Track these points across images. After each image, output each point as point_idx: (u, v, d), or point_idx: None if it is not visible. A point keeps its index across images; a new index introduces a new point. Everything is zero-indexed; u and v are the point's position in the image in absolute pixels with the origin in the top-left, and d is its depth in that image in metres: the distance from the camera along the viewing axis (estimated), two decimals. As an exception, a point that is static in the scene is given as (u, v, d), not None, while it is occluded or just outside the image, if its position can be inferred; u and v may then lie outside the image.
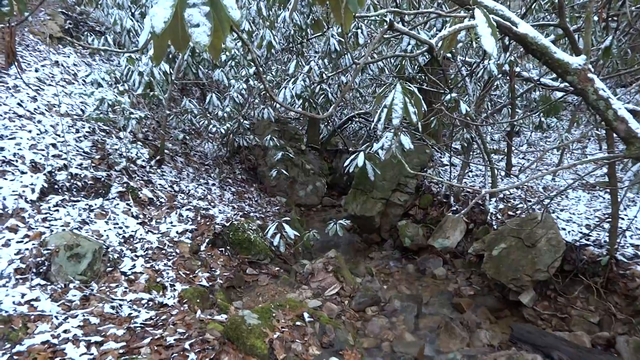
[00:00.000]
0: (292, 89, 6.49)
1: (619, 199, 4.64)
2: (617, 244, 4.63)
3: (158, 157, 6.56)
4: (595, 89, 2.26)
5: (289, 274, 5.50)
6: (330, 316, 4.31)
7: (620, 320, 4.33)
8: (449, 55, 6.53)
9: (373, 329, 4.63)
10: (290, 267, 5.76)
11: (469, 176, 7.52)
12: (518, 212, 5.90)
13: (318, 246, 6.80)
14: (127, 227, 4.85)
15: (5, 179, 4.34)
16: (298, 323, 3.68)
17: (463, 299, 5.23)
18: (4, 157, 4.53)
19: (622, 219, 4.96)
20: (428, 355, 4.23)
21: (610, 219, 4.69)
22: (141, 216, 5.18)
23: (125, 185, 5.41)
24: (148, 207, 5.46)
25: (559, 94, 7.27)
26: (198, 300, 4.11)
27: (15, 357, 2.90)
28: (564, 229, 5.26)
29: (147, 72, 6.06)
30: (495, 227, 5.84)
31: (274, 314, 3.67)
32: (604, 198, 6.12)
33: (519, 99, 8.56)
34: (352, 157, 4.99)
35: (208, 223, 5.69)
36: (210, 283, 4.64)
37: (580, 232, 5.18)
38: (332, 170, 10.59)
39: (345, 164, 5.07)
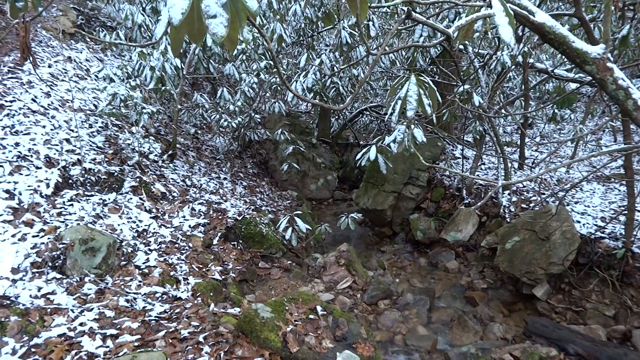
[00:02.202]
0: (304, 82, 6.47)
1: (636, 191, 4.57)
2: (633, 236, 4.56)
3: (170, 152, 6.59)
4: (615, 78, 2.21)
5: (301, 268, 5.51)
6: (343, 309, 4.31)
7: (637, 313, 4.27)
8: (461, 47, 6.47)
9: (386, 322, 4.63)
10: (302, 261, 5.76)
11: (481, 169, 7.46)
12: (532, 205, 5.85)
13: (330, 240, 6.80)
14: (140, 221, 4.88)
15: (21, 174, 4.39)
16: (311, 316, 3.68)
17: (476, 292, 5.20)
18: (19, 152, 4.58)
19: (639, 211, 4.88)
20: (441, 349, 4.22)
21: (626, 212, 4.62)
22: (154, 210, 5.21)
23: (138, 179, 5.44)
24: (161, 202, 5.50)
25: (573, 85, 7.18)
26: (211, 294, 4.13)
27: (32, 349, 2.94)
28: (579, 222, 5.20)
29: (159, 67, 6.08)
30: (508, 220, 5.79)
31: (287, 307, 3.68)
32: (619, 190, 6.03)
33: (532, 90, 8.45)
34: (364, 150, 4.98)
35: (220, 217, 5.71)
36: (223, 277, 4.66)
37: (596, 225, 5.11)
38: (343, 164, 10.57)
39: (357, 157, 5.06)
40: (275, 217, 6.34)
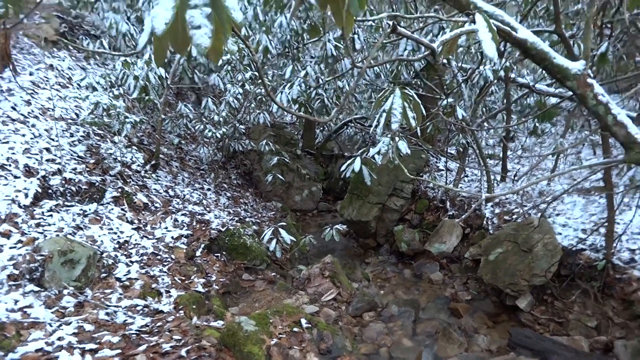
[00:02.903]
0: (289, 93, 6.48)
1: (615, 204, 4.65)
2: (613, 248, 4.63)
3: (153, 162, 6.52)
4: (595, 94, 2.26)
5: (285, 280, 5.46)
6: (328, 322, 4.28)
7: (618, 324, 4.32)
8: (445, 61, 6.56)
9: (371, 334, 4.60)
10: (287, 273, 5.72)
11: (464, 181, 7.53)
12: (514, 216, 5.91)
13: (314, 251, 6.77)
14: (121, 232, 4.80)
15: (-1, 183, 4.29)
16: (295, 329, 3.65)
17: (460, 303, 5.21)
18: (-3, 161, 4.48)
19: (618, 223, 4.96)
20: (426, 361, 4.21)
21: (606, 224, 4.69)
22: (136, 221, 5.13)
23: (120, 190, 5.36)
24: (143, 212, 5.41)
25: (554, 100, 7.32)
26: (194, 307, 4.07)
27: (8, 365, 2.85)
28: (560, 234, 5.26)
29: (143, 76, 6.03)
30: (491, 231, 5.84)
31: (271, 320, 3.64)
32: (599, 203, 6.12)
33: (514, 104, 8.59)
34: (349, 162, 4.98)
35: (203, 228, 5.65)
36: (206, 289, 4.60)
37: (577, 237, 5.18)
38: (327, 175, 10.57)
39: (342, 169, 5.06)
40: (259, 229, 6.30)
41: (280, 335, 3.51)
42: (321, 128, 12.01)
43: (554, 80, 2.57)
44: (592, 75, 2.29)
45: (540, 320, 4.70)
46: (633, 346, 3.92)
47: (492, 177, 6.58)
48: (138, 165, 6.17)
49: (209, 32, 1.07)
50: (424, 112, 2.45)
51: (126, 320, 3.61)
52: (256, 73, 6.96)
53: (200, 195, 6.83)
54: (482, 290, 5.43)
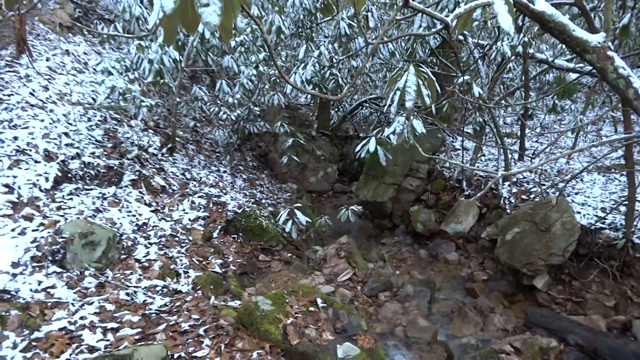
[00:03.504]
0: (302, 74, 6.44)
1: (636, 182, 4.56)
2: (633, 227, 4.55)
3: (169, 145, 6.57)
4: (615, 67, 2.19)
5: (301, 260, 5.51)
6: (343, 302, 4.32)
7: (637, 303, 4.27)
8: (461, 37, 6.42)
9: (386, 314, 4.63)
10: (303, 254, 5.76)
11: (481, 160, 7.44)
12: (532, 196, 5.83)
13: (330, 232, 6.80)
14: (140, 214, 4.88)
15: (20, 168, 4.38)
16: (311, 309, 3.69)
17: (476, 283, 5.20)
18: (18, 146, 4.57)
19: (639, 201, 4.87)
20: (441, 340, 4.23)
21: (626, 202, 4.61)
22: (154, 204, 5.20)
23: (137, 173, 5.43)
24: (160, 195, 5.49)
25: (574, 76, 7.14)
26: (212, 287, 4.14)
27: (33, 343, 2.95)
28: (579, 213, 5.19)
29: (157, 60, 6.05)
30: (508, 211, 5.78)
31: (287, 300, 3.68)
32: (619, 181, 6.01)
33: (532, 81, 8.41)
34: (364, 142, 4.97)
35: (220, 210, 5.71)
36: (224, 270, 4.67)
37: (596, 216, 5.11)
38: (342, 156, 10.54)
39: (357, 150, 5.05)
40: (275, 210, 6.34)
41: (297, 315, 3.55)
42: (336, 109, 11.93)
43: (574, 54, 2.50)
44: (612, 47, 2.22)
45: (558, 300, 4.67)
46: (652, 325, 3.88)
47: (509, 155, 6.48)
48: (155, 149, 6.22)
49: (217, 9, 1.06)
50: (438, 89, 2.41)
51: (146, 300, 3.69)
52: (269, 55, 6.91)
53: (216, 177, 6.88)
54: (498, 270, 5.41)
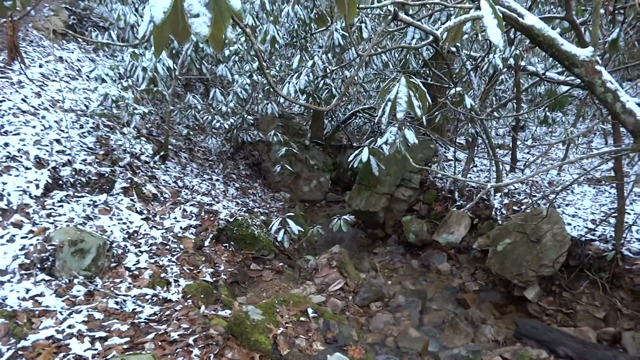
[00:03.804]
0: (296, 83, 6.46)
1: (626, 194, 4.60)
2: (623, 238, 4.58)
3: (162, 153, 6.56)
4: (603, 81, 2.22)
5: (292, 270, 5.49)
6: (334, 312, 4.31)
7: (626, 315, 4.29)
8: (453, 49, 6.49)
9: (377, 324, 4.62)
10: (294, 263, 5.75)
11: (473, 171, 7.48)
12: (523, 207, 5.86)
13: (322, 242, 6.79)
14: (131, 222, 4.85)
15: (10, 174, 4.35)
16: (302, 318, 3.67)
17: (467, 294, 5.21)
18: (9, 152, 4.54)
19: (629, 213, 4.90)
20: (432, 351, 4.22)
21: (616, 214, 4.64)
22: (145, 212, 5.18)
23: (129, 180, 5.41)
24: (152, 203, 5.46)
25: (565, 88, 7.22)
26: (202, 296, 4.11)
27: (20, 352, 2.91)
28: (570, 224, 5.22)
29: (151, 68, 6.05)
30: (499, 222, 5.80)
31: (277, 310, 3.67)
32: (609, 193, 6.07)
33: (524, 93, 8.50)
34: (356, 152, 4.98)
35: (212, 218, 5.69)
36: (214, 278, 4.64)
37: (586, 227, 5.14)
38: (336, 166, 10.56)
39: (350, 159, 5.06)
40: (267, 219, 6.32)
41: (287, 325, 3.53)
42: (329, 118, 11.97)
43: (563, 67, 2.54)
44: (600, 62, 2.25)
45: (548, 311, 4.68)
46: (642, 337, 3.89)
47: (501, 167, 6.52)
48: (147, 156, 6.21)
49: (207, 20, 1.07)
50: (429, 100, 2.43)
51: (135, 309, 3.66)
52: (264, 63, 6.94)
53: (208, 185, 6.87)
54: (489, 281, 5.42)
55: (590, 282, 4.68)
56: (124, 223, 4.78)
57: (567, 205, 5.81)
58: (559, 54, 2.28)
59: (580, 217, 5.41)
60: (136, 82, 6.23)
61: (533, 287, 4.81)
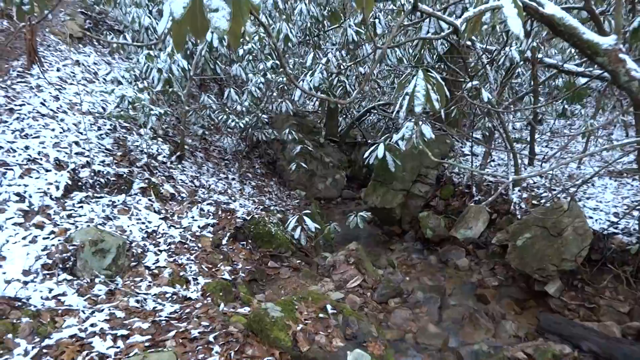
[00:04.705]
0: (310, 81, 6.46)
1: (649, 186, 4.50)
2: (647, 231, 4.50)
3: (178, 153, 6.61)
4: (627, 69, 2.17)
5: (310, 267, 5.49)
6: (353, 308, 4.29)
7: (652, 310, 4.21)
8: (469, 43, 6.41)
9: (396, 320, 4.60)
10: (312, 260, 5.75)
11: (491, 165, 7.40)
12: (542, 201, 5.78)
13: (339, 239, 6.78)
14: (149, 222, 4.90)
15: (31, 176, 4.42)
16: (321, 315, 3.66)
17: (487, 289, 5.15)
18: (29, 155, 4.62)
19: (652, 206, 4.81)
20: (452, 347, 4.18)
21: (639, 206, 4.55)
22: (163, 211, 5.22)
23: (146, 181, 5.46)
24: (170, 202, 5.51)
25: (583, 80, 7.09)
26: (221, 294, 4.13)
27: (44, 350, 2.95)
28: (591, 218, 5.13)
29: (166, 69, 6.10)
30: (519, 216, 5.73)
31: (296, 307, 3.67)
32: (632, 185, 5.94)
33: (541, 86, 8.36)
34: (372, 148, 4.95)
35: (229, 217, 5.71)
36: (233, 276, 4.66)
37: (608, 221, 5.04)
38: (351, 163, 10.53)
39: (365, 156, 5.03)
40: (284, 217, 6.33)
41: (306, 321, 3.53)
42: (344, 116, 11.94)
43: (584, 58, 2.48)
44: (624, 50, 2.20)
45: (570, 306, 4.61)
46: (669, 331, 3.80)
47: (519, 160, 6.43)
48: (164, 157, 6.26)
49: (226, 14, 1.06)
50: (447, 94, 2.40)
51: (156, 307, 3.69)
52: (277, 62, 6.95)
53: (225, 184, 6.90)
54: (509, 276, 5.35)
55: (614, 276, 4.59)
56: (143, 223, 4.83)
57: (588, 198, 5.71)
58: (580, 43, 2.23)
59: (602, 211, 5.31)
60: (152, 83, 6.29)
61: (554, 282, 4.73)
